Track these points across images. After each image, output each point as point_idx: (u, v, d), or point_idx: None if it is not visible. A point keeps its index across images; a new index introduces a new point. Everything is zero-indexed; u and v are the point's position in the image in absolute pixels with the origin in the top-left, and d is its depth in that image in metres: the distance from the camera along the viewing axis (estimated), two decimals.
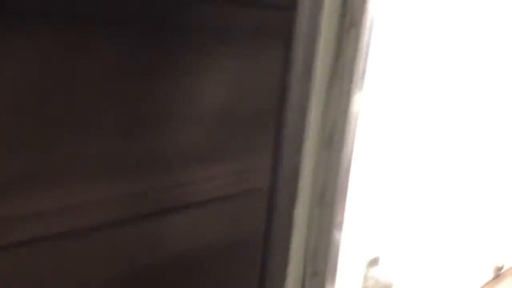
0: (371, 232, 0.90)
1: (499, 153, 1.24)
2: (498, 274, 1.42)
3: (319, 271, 0.80)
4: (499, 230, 1.37)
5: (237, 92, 0.69)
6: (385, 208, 0.93)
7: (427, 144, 1.00)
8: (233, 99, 0.70)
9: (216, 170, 0.76)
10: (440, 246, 1.14)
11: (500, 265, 1.43)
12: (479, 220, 1.26)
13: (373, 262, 0.89)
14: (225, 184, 0.75)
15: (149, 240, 0.68)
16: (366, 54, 0.67)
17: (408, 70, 0.89)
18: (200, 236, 0.73)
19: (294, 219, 0.74)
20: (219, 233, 0.77)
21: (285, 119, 0.69)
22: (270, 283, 0.74)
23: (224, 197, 0.75)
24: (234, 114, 0.71)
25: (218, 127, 0.73)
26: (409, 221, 1.01)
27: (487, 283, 1.37)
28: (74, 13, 0.52)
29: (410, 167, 0.97)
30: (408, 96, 0.91)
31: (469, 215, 1.21)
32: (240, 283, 0.83)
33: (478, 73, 1.05)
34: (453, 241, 1.17)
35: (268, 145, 0.70)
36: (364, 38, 0.65)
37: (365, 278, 0.88)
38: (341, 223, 0.76)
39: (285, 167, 0.69)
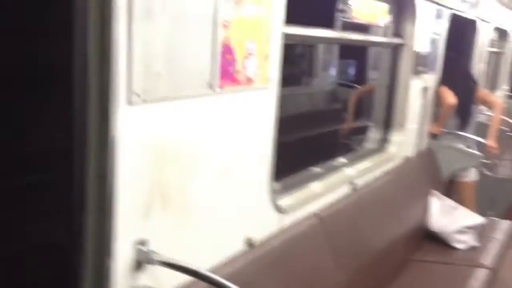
0: (142, 223, 1.32)
1: (246, 159, 1.78)
2: (250, 246, 1.90)
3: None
4: (248, 212, 1.88)
5: None
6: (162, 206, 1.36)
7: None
8: None
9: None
10: (201, 226, 1.59)
11: (250, 238, 1.90)
12: (233, 205, 1.76)
13: (144, 242, 1.32)
14: None
15: None
16: None
17: None
18: None
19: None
20: None
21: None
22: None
23: None
24: None
25: None
26: (177, 212, 1.45)
27: (240, 253, 1.84)
28: None
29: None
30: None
31: (225, 202, 1.71)
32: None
33: None
34: (210, 222, 1.64)
35: None
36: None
37: (138, 252, 1.30)
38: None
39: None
